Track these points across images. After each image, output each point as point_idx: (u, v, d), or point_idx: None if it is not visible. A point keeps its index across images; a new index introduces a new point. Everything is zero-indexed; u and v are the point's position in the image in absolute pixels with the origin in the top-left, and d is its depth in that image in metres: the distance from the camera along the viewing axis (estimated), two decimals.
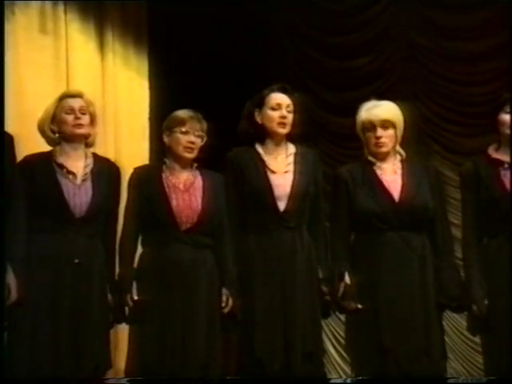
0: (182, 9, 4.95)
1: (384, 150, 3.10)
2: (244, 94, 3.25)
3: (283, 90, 3.17)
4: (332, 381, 3.21)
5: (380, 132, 3.08)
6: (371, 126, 3.09)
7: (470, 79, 5.17)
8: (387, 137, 3.09)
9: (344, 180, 3.11)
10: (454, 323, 4.80)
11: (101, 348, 2.94)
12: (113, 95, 4.55)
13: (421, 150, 5.17)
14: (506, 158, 3.08)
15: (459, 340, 4.85)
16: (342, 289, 3.03)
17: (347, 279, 3.03)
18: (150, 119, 4.74)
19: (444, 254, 3.08)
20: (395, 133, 3.12)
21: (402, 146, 3.18)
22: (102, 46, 4.52)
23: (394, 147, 3.13)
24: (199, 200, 3.03)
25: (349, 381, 3.09)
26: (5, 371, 2.72)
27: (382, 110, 3.12)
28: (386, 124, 3.09)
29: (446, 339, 4.80)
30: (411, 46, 5.31)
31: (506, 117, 3.08)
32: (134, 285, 2.96)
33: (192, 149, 3.05)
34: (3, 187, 2.76)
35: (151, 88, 4.79)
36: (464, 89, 5.17)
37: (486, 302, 3.00)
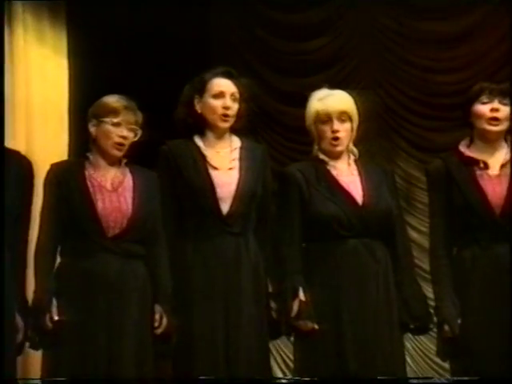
0: None
1: (339, 148, 3.12)
2: (181, 78, 3.24)
3: (228, 75, 3.16)
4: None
5: (337, 125, 3.09)
6: (327, 119, 3.11)
7: (441, 66, 5.27)
8: (344, 131, 3.11)
9: (295, 181, 3.10)
10: (419, 345, 4.87)
11: (4, 378, 2.86)
12: (24, 77, 4.48)
13: (384, 147, 5.26)
14: (481, 156, 3.11)
15: (425, 364, 4.92)
16: (296, 307, 3.01)
17: (302, 296, 3.02)
18: (70, 106, 4.67)
19: (404, 267, 3.11)
20: (352, 127, 3.14)
21: (362, 141, 3.21)
22: (9, 18, 4.44)
23: (348, 144, 3.15)
24: (129, 201, 3.01)
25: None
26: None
27: (338, 100, 3.13)
28: (343, 116, 3.11)
29: (411, 363, 4.89)
30: (374, 27, 5.39)
31: (482, 108, 3.11)
32: (54, 303, 2.92)
33: (123, 145, 3.01)
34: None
35: (71, 69, 4.73)
36: (433, 76, 5.27)
37: (459, 321, 3.02)
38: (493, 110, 3.10)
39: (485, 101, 3.11)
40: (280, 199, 3.16)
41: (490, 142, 3.13)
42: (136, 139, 3.03)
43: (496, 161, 3.11)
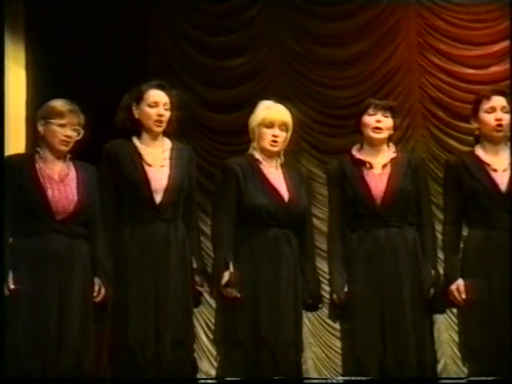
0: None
1: (276, 149, 3.14)
2: (126, 89, 3.21)
3: (161, 87, 3.14)
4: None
5: (277, 131, 3.12)
6: (270, 125, 3.12)
7: (337, 83, 5.34)
8: (282, 137, 3.14)
9: (234, 172, 3.10)
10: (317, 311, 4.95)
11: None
12: None
13: (291, 149, 5.31)
14: (368, 158, 3.18)
15: (320, 326, 5.00)
16: (226, 277, 3.03)
17: (231, 268, 3.03)
18: (27, 110, 4.58)
19: (309, 255, 3.16)
20: (287, 136, 3.17)
21: None
22: None
23: (282, 148, 3.17)
24: (74, 191, 2.99)
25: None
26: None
27: (281, 112, 3.16)
28: (283, 126, 3.14)
29: (309, 324, 4.95)
30: (283, 50, 5.43)
31: (368, 119, 3.17)
32: (10, 274, 2.86)
33: (68, 142, 2.98)
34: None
35: (28, 78, 4.62)
36: (331, 92, 5.33)
37: (346, 290, 3.08)
38: (377, 121, 3.16)
39: (371, 113, 3.18)
40: (220, 186, 3.14)
41: (374, 146, 3.19)
42: (79, 138, 3.00)
43: (379, 162, 3.17)
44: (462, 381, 3.01)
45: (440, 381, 3.07)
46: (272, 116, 3.14)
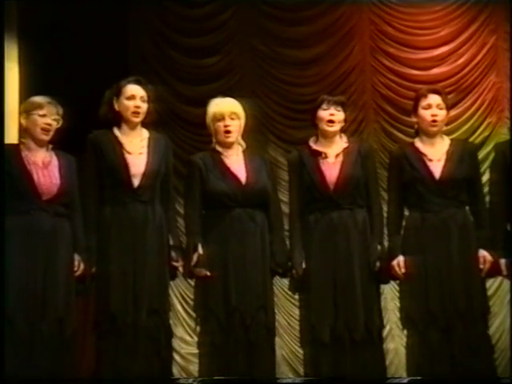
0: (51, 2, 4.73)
1: (231, 139, 3.16)
2: (107, 84, 3.22)
3: (138, 82, 3.16)
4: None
5: (228, 121, 3.14)
6: (221, 117, 3.15)
7: (299, 81, 5.36)
8: (234, 126, 3.16)
9: (197, 166, 3.14)
10: (279, 282, 4.98)
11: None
12: None
13: (259, 139, 5.35)
14: (323, 148, 3.21)
15: (282, 297, 5.05)
16: (195, 258, 3.06)
17: (200, 250, 3.06)
18: (20, 103, 4.48)
19: (276, 229, 3.18)
20: (240, 123, 3.18)
21: (244, 136, 3.24)
22: None
23: (237, 138, 3.19)
24: (57, 176, 3.01)
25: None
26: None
27: (229, 104, 3.20)
28: (233, 116, 3.16)
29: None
30: (252, 51, 5.44)
31: (323, 113, 3.19)
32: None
33: (48, 130, 3.01)
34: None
35: (21, 73, 4.55)
36: (294, 89, 5.35)
37: (304, 265, 3.11)
38: (330, 114, 3.19)
39: (324, 108, 3.21)
40: (187, 179, 3.20)
41: (328, 138, 3.23)
42: (59, 126, 3.03)
43: (333, 152, 3.21)
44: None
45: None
46: (220, 109, 3.17)
